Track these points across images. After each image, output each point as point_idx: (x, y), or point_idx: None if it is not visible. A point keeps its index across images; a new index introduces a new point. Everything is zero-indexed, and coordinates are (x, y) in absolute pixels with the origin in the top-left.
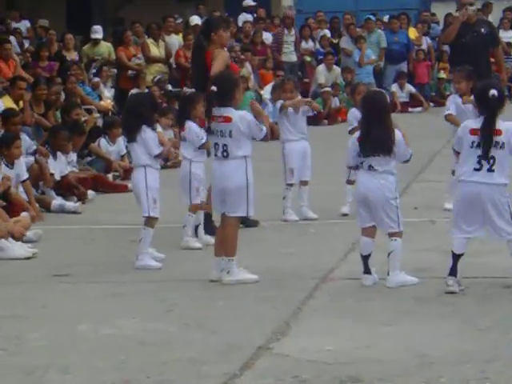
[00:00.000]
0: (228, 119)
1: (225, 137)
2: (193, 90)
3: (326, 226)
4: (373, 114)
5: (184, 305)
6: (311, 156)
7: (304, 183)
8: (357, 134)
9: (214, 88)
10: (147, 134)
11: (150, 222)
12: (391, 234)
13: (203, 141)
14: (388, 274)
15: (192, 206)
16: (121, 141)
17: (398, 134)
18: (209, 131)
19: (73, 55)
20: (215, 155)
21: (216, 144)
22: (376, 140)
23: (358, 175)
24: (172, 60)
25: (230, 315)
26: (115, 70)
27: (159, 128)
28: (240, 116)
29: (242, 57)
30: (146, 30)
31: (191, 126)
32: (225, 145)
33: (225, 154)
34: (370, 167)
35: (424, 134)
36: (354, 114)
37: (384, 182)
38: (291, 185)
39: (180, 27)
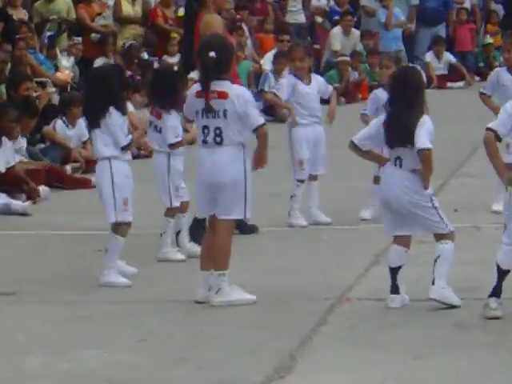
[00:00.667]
0: (223, 95)
1: (218, 117)
2: (167, 62)
3: (341, 232)
4: (404, 96)
5: (162, 332)
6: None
7: (314, 178)
8: (382, 117)
9: (212, 54)
10: (114, 118)
11: (119, 228)
12: (439, 237)
13: (178, 139)
14: (433, 283)
15: (169, 209)
16: (82, 123)
17: (426, 121)
18: (209, 111)
19: (21, 14)
20: (203, 141)
21: (205, 127)
22: (405, 127)
23: (383, 171)
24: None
25: (220, 346)
26: (80, 39)
27: (131, 107)
28: (238, 92)
29: (238, 16)
30: None
31: (170, 117)
32: (218, 128)
33: (218, 139)
34: (397, 160)
35: (466, 116)
36: (377, 98)
37: (410, 183)
38: (302, 181)
39: None
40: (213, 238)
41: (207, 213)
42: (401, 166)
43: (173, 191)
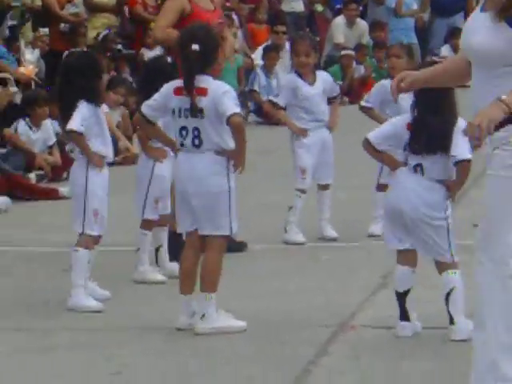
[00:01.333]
0: (202, 91)
1: (196, 117)
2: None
3: (345, 250)
4: (431, 97)
5: (138, 365)
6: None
7: (324, 187)
8: (405, 117)
9: (195, 47)
10: (81, 110)
11: (84, 239)
12: (444, 266)
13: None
14: (451, 323)
15: (144, 221)
16: (48, 125)
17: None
18: (195, 107)
19: None
20: (181, 144)
21: (183, 128)
22: (437, 133)
23: (395, 177)
24: (125, 9)
25: (206, 381)
26: (46, 30)
27: (105, 108)
28: (218, 86)
29: (228, 4)
30: None
31: None
32: (196, 129)
33: (196, 141)
34: (418, 167)
35: None
36: (385, 90)
37: (430, 195)
38: (303, 191)
39: None
40: (194, 256)
41: (188, 226)
42: (422, 174)
43: (149, 199)
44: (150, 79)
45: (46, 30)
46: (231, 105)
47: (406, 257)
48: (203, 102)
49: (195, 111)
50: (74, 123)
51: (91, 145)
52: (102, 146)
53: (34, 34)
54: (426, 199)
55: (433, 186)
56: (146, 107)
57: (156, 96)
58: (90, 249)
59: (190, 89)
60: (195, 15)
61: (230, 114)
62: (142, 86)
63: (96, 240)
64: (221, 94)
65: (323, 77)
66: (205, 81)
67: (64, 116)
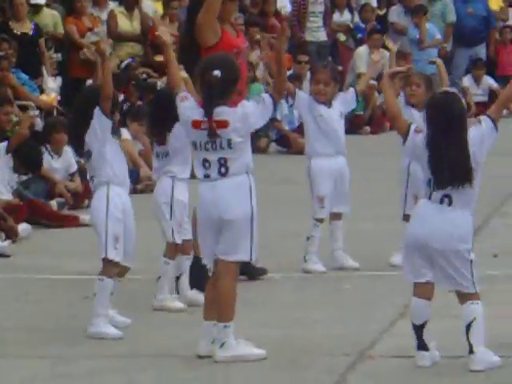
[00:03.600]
0: (223, 124)
1: (222, 148)
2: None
3: (365, 280)
4: (447, 127)
5: None
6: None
7: (337, 217)
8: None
9: (217, 73)
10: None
11: (107, 268)
12: (466, 296)
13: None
14: (471, 352)
15: (169, 246)
16: (68, 152)
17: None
18: (213, 135)
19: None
20: (205, 176)
21: (206, 161)
22: (454, 165)
23: (419, 208)
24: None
25: None
26: (59, 55)
27: (127, 135)
28: (238, 113)
29: (257, 36)
30: None
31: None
32: (222, 159)
33: (223, 170)
34: (445, 198)
35: (508, 148)
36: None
37: (458, 226)
38: (321, 220)
39: None
40: (217, 283)
41: (210, 254)
42: (449, 204)
43: (175, 225)
44: (159, 108)
45: (59, 55)
46: (259, 110)
47: (424, 289)
48: (228, 134)
49: (213, 138)
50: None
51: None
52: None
53: (49, 56)
54: (454, 231)
55: (460, 216)
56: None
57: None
58: (112, 278)
59: (209, 116)
60: (226, 39)
61: (269, 96)
62: (152, 114)
63: (116, 266)
64: (245, 117)
65: (340, 98)
66: (224, 113)
67: (79, 147)
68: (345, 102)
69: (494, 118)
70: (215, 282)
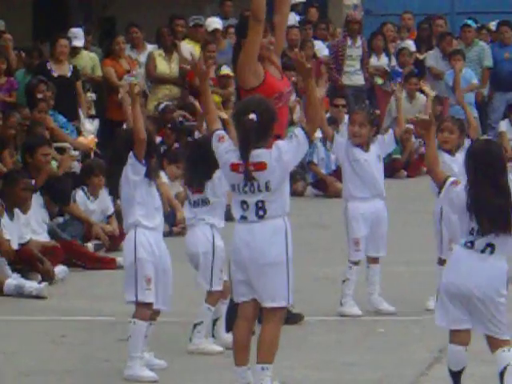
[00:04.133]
0: (261, 166)
1: (260, 191)
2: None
3: (402, 324)
4: (491, 176)
5: None
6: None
7: (375, 261)
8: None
9: (253, 116)
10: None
11: (140, 310)
12: (498, 343)
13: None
14: None
15: (212, 294)
16: (105, 195)
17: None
18: (251, 179)
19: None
20: (242, 217)
21: (244, 202)
22: (502, 213)
23: (457, 255)
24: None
25: None
26: (93, 95)
27: (164, 178)
28: (274, 154)
29: (293, 79)
30: (156, 36)
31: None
32: (260, 201)
33: (261, 212)
34: (488, 248)
35: None
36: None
37: (497, 273)
38: (356, 263)
39: (196, 32)
40: (248, 326)
41: (242, 296)
42: (491, 253)
43: (216, 274)
44: (200, 155)
45: (93, 95)
46: (293, 146)
47: (462, 336)
48: (266, 176)
49: (251, 181)
50: None
51: None
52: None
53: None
54: (494, 279)
55: (498, 263)
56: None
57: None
58: (146, 320)
59: (245, 160)
60: (269, 83)
61: (302, 137)
62: (193, 161)
63: (150, 308)
64: (281, 156)
65: (378, 141)
66: (261, 155)
67: (114, 189)
68: (383, 144)
69: None
70: (246, 326)
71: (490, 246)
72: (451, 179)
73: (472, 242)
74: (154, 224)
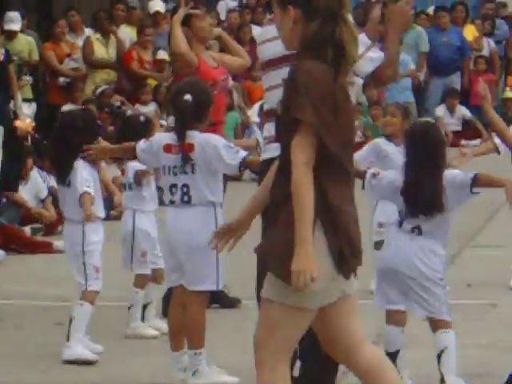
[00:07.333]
0: (189, 147)
1: (185, 173)
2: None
3: None
4: (425, 157)
5: None
6: None
7: None
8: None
9: (188, 97)
10: (78, 173)
11: (87, 295)
12: (437, 324)
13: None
14: (442, 381)
15: (138, 277)
16: (36, 177)
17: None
18: (187, 160)
19: None
20: (170, 201)
21: (173, 186)
22: (431, 195)
23: (390, 236)
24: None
25: None
26: (29, 78)
27: (102, 163)
28: (204, 140)
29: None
30: (92, 19)
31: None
32: (185, 185)
33: (185, 197)
34: (415, 230)
35: None
36: (379, 149)
37: (429, 254)
38: None
39: (131, 16)
40: (181, 312)
41: (174, 281)
42: (419, 234)
43: (136, 256)
44: (123, 136)
45: (30, 78)
46: (232, 154)
47: (397, 317)
48: (192, 157)
49: (186, 167)
50: (85, 185)
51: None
52: (98, 208)
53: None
54: (425, 261)
55: (431, 245)
56: (141, 151)
57: (147, 145)
58: (93, 304)
59: (181, 140)
60: (202, 71)
61: (238, 163)
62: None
63: (96, 294)
64: (213, 148)
65: None
66: (191, 136)
67: (60, 174)
68: None
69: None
70: (179, 311)
71: (417, 228)
72: (371, 170)
73: (401, 223)
74: (101, 215)
